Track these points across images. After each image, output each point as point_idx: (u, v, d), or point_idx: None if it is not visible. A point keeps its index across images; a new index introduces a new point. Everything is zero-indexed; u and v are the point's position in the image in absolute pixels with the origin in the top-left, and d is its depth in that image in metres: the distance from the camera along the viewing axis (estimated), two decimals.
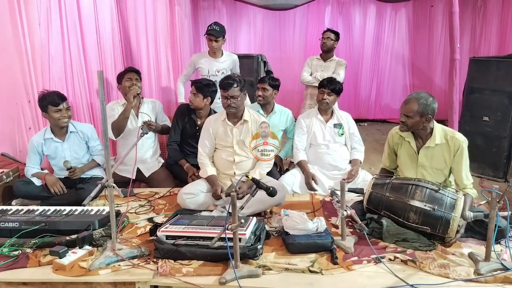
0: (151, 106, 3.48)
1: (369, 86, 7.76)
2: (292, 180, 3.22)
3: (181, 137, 3.46)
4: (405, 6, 7.43)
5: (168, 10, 4.90)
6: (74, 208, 2.57)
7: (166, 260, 2.07)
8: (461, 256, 2.12)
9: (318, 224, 2.25)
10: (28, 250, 2.19)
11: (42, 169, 3.11)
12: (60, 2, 3.41)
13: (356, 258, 2.10)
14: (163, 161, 3.59)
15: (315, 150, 3.35)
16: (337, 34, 4.44)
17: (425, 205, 2.22)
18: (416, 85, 7.49)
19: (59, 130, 3.04)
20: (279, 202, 2.71)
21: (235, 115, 2.88)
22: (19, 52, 3.12)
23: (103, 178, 2.11)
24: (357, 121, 4.42)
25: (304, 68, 4.53)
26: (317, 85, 3.50)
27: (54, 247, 2.11)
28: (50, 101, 2.90)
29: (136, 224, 2.58)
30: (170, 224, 2.26)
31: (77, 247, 2.16)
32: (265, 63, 5.64)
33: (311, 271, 1.98)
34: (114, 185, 2.06)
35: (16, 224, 2.30)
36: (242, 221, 2.11)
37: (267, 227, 2.40)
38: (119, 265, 2.04)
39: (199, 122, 3.37)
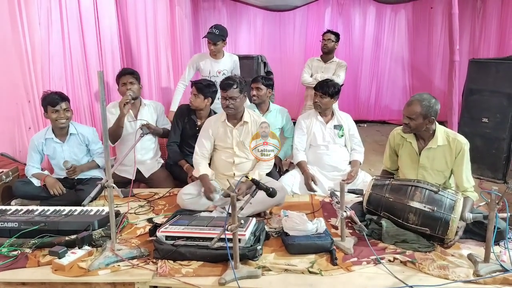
0: (153, 108, 3.46)
1: (369, 87, 7.76)
2: (292, 181, 3.23)
3: (181, 137, 3.46)
4: (405, 8, 7.43)
5: (168, 11, 4.90)
6: (73, 208, 2.57)
7: (166, 260, 2.07)
8: (460, 257, 2.12)
9: (318, 225, 2.26)
10: (28, 250, 2.19)
11: (42, 169, 3.11)
12: (61, 2, 3.41)
13: (355, 259, 2.10)
14: (162, 161, 3.59)
15: (315, 151, 3.35)
16: (337, 35, 4.44)
17: (424, 206, 2.22)
18: (416, 87, 7.49)
19: (60, 131, 3.03)
20: (278, 203, 2.71)
21: (234, 116, 2.87)
22: (19, 52, 3.12)
23: (102, 179, 2.11)
24: (357, 122, 4.42)
25: (305, 69, 4.53)
26: None
27: (54, 247, 2.11)
28: (49, 101, 2.90)
29: (136, 224, 2.58)
30: (169, 225, 2.26)
31: (77, 248, 2.16)
32: (265, 64, 5.64)
33: (310, 272, 1.99)
34: (114, 185, 2.06)
35: (16, 224, 2.30)
36: (242, 221, 2.11)
37: (266, 228, 2.40)
38: (119, 265, 2.04)
39: (199, 123, 3.36)
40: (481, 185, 4.16)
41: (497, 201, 1.92)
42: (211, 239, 1.95)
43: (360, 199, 2.62)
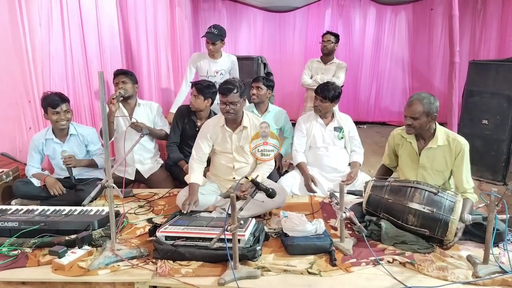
0: (149, 108, 3.42)
1: (369, 89, 7.76)
2: (292, 182, 3.23)
3: (180, 138, 3.46)
4: (405, 9, 7.43)
5: (168, 12, 4.90)
6: (73, 208, 2.58)
7: (165, 260, 2.07)
8: (459, 259, 2.12)
9: (317, 226, 2.26)
10: (28, 250, 2.19)
11: (42, 169, 3.11)
12: (62, 3, 3.42)
13: (354, 260, 2.10)
14: (162, 162, 3.59)
15: (315, 152, 3.35)
16: (336, 36, 4.44)
17: (424, 208, 2.22)
18: (416, 88, 7.49)
19: (60, 132, 3.03)
20: (278, 206, 2.71)
21: (234, 121, 2.83)
22: (19, 52, 3.13)
23: (102, 179, 2.11)
24: (357, 123, 4.43)
25: (305, 70, 4.53)
26: None
27: (54, 247, 2.11)
28: (49, 102, 2.89)
29: (136, 224, 2.58)
30: (169, 225, 2.26)
31: (77, 247, 2.16)
32: (265, 65, 5.64)
33: (309, 273, 1.99)
34: (114, 185, 2.06)
35: (16, 224, 2.30)
36: (241, 222, 2.11)
37: (266, 229, 2.40)
38: (118, 265, 2.05)
39: (199, 124, 3.36)
40: (480, 186, 4.16)
41: (496, 203, 1.92)
42: (211, 239, 1.96)
43: (360, 200, 2.63)
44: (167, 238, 2.15)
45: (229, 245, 1.95)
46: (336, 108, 3.48)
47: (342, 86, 3.86)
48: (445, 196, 2.24)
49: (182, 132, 3.45)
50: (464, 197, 2.35)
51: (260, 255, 2.13)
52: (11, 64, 3.13)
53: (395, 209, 2.32)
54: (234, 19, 7.58)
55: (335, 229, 2.48)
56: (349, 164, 3.37)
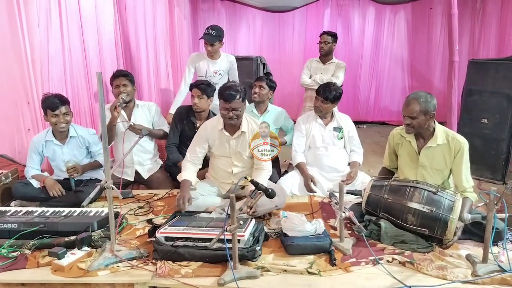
0: (147, 109, 3.41)
1: (368, 88, 7.76)
2: (291, 182, 3.23)
3: (180, 139, 3.46)
4: (404, 8, 7.43)
5: (167, 12, 4.91)
6: (73, 209, 2.58)
7: (165, 261, 2.07)
8: (458, 258, 2.13)
9: (317, 225, 2.26)
10: (27, 251, 2.19)
11: (42, 170, 3.11)
12: (60, 3, 3.42)
13: (354, 259, 2.10)
14: (161, 162, 3.59)
15: (314, 152, 3.35)
16: (334, 36, 4.42)
17: (423, 207, 2.22)
18: (415, 87, 7.48)
19: (59, 134, 3.02)
20: (279, 208, 2.71)
21: (233, 125, 2.80)
22: (18, 53, 3.12)
23: (101, 180, 2.11)
24: (356, 123, 4.42)
25: (304, 70, 4.52)
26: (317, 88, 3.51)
27: (53, 248, 2.11)
28: (49, 104, 2.87)
29: (135, 225, 2.58)
30: (169, 226, 2.27)
31: (76, 248, 2.16)
32: (264, 65, 5.64)
33: (309, 273, 1.99)
34: (113, 186, 2.06)
35: (15, 225, 2.30)
36: (241, 222, 2.11)
37: (265, 229, 2.40)
38: (118, 266, 2.05)
39: (198, 124, 3.35)
40: (480, 186, 4.16)
41: (495, 202, 1.93)
42: (210, 239, 1.95)
43: (359, 200, 2.63)
44: (166, 238, 2.15)
45: (229, 245, 1.95)
46: (335, 108, 3.48)
47: (341, 86, 3.86)
48: (445, 196, 2.24)
49: (181, 133, 3.45)
50: (463, 196, 2.35)
51: (260, 255, 2.13)
52: (9, 65, 3.13)
53: (394, 208, 2.32)
54: (233, 19, 7.58)
55: (334, 229, 2.48)
56: (349, 164, 3.37)
